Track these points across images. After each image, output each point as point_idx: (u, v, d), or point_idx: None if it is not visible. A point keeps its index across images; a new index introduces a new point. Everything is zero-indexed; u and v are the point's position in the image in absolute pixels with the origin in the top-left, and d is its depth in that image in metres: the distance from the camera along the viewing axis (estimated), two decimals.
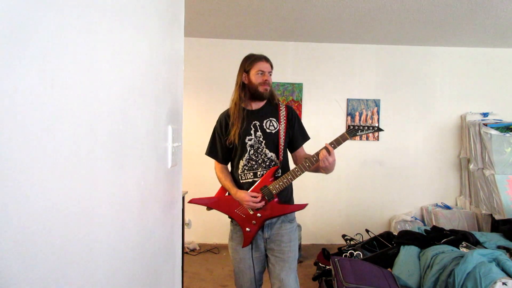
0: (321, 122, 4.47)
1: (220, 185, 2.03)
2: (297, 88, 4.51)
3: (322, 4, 3.31)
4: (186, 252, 4.04)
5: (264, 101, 1.98)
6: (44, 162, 0.51)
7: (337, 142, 1.82)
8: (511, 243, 3.13)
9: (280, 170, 1.92)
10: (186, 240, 4.15)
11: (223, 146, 1.98)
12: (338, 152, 1.91)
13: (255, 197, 1.85)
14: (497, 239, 3.22)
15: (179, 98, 1.27)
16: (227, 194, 2.00)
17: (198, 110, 4.42)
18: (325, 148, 1.80)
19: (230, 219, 2.01)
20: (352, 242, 3.59)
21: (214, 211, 2.03)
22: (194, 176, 4.11)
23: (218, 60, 4.43)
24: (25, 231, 0.47)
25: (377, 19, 3.66)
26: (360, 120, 4.54)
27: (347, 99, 4.53)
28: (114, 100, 0.74)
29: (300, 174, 1.85)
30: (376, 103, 4.52)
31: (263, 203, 1.86)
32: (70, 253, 0.59)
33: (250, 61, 1.95)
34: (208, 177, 4.64)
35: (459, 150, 4.55)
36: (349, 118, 4.51)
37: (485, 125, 4.11)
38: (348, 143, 4.40)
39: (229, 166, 2.07)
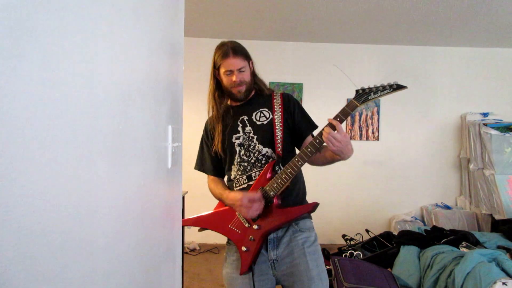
0: (321, 122, 4.46)
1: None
2: (297, 88, 4.51)
3: (322, 4, 3.31)
4: (186, 252, 4.04)
5: (252, 93, 1.60)
6: (44, 162, 0.51)
7: (344, 114, 1.41)
8: (511, 243, 3.13)
9: (280, 166, 1.50)
10: (186, 240, 4.15)
11: (212, 157, 1.62)
12: None
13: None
14: (497, 239, 3.22)
15: (179, 98, 1.27)
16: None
17: (198, 111, 4.41)
18: (328, 124, 1.40)
19: (227, 240, 1.59)
20: (352, 242, 3.59)
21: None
22: (194, 176, 4.10)
23: None
24: (25, 231, 0.47)
25: (377, 19, 3.66)
26: (360, 120, 4.54)
27: (347, 99, 4.53)
28: (114, 100, 0.74)
29: (301, 165, 1.41)
30: (376, 103, 4.52)
31: (261, 208, 1.41)
32: (69, 253, 0.59)
33: (217, 55, 1.53)
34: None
35: (459, 150, 4.55)
36: (349, 118, 4.51)
37: (485, 125, 4.12)
38: None
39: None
